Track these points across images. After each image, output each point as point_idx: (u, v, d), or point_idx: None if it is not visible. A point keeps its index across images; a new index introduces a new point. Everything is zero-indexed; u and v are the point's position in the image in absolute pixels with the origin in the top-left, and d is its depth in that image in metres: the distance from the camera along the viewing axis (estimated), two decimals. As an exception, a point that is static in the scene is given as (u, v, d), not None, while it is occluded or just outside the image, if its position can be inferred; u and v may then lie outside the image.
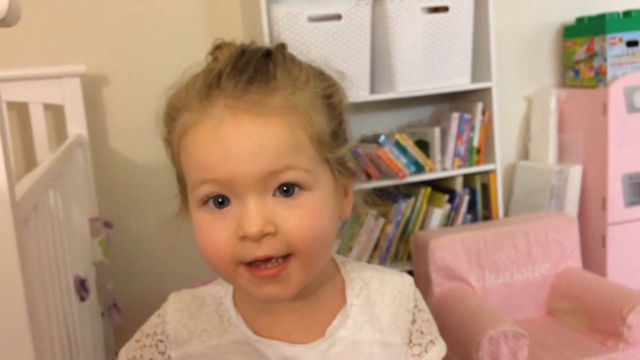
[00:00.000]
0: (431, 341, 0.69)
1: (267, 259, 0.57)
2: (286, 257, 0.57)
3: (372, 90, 1.98)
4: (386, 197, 2.02)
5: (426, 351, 0.68)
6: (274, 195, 0.57)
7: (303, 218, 0.57)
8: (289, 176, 0.57)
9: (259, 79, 0.57)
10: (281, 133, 0.56)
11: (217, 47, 0.62)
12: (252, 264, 0.57)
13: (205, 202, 0.58)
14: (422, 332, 0.69)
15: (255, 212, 0.56)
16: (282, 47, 0.63)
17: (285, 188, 0.57)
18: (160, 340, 0.67)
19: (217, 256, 0.58)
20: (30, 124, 1.80)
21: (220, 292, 0.68)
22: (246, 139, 0.56)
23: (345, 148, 0.63)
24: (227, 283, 0.68)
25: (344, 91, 0.65)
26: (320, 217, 0.59)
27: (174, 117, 0.61)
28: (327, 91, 0.62)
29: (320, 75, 0.63)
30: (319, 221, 0.58)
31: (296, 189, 0.57)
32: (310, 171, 0.58)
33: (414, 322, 0.69)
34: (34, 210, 0.87)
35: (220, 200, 0.57)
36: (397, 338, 0.67)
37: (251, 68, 0.58)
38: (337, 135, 0.63)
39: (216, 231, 0.58)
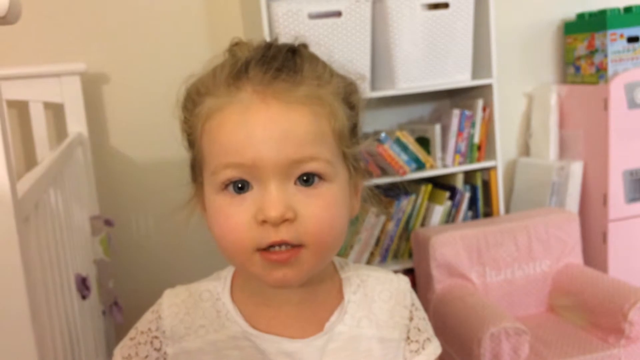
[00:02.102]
0: (428, 338, 0.70)
1: (281, 244, 0.57)
2: (298, 245, 0.58)
3: (373, 87, 1.98)
4: (387, 194, 2.02)
5: (423, 348, 0.70)
6: (294, 183, 0.58)
7: (321, 208, 0.58)
8: (311, 166, 0.58)
9: (287, 68, 0.59)
10: (307, 122, 0.58)
11: (235, 44, 0.63)
12: (266, 249, 0.58)
13: (225, 186, 0.59)
14: (419, 329, 0.70)
15: (277, 197, 0.57)
16: (304, 46, 0.65)
17: (305, 178, 0.58)
18: (156, 337, 0.66)
19: (234, 240, 0.58)
20: (30, 123, 1.80)
21: (218, 287, 0.68)
22: (273, 124, 0.57)
23: (360, 147, 0.65)
24: (239, 269, 0.67)
25: (362, 92, 0.67)
26: (337, 209, 0.60)
27: (197, 102, 0.61)
28: (348, 90, 0.64)
29: (341, 74, 0.65)
30: (336, 212, 0.60)
31: (316, 179, 0.59)
32: (332, 163, 0.59)
33: (411, 319, 0.70)
34: (35, 209, 0.87)
35: (240, 185, 0.58)
36: (395, 334, 0.68)
37: (280, 59, 0.59)
38: (355, 132, 0.65)
39: (235, 215, 0.58)
